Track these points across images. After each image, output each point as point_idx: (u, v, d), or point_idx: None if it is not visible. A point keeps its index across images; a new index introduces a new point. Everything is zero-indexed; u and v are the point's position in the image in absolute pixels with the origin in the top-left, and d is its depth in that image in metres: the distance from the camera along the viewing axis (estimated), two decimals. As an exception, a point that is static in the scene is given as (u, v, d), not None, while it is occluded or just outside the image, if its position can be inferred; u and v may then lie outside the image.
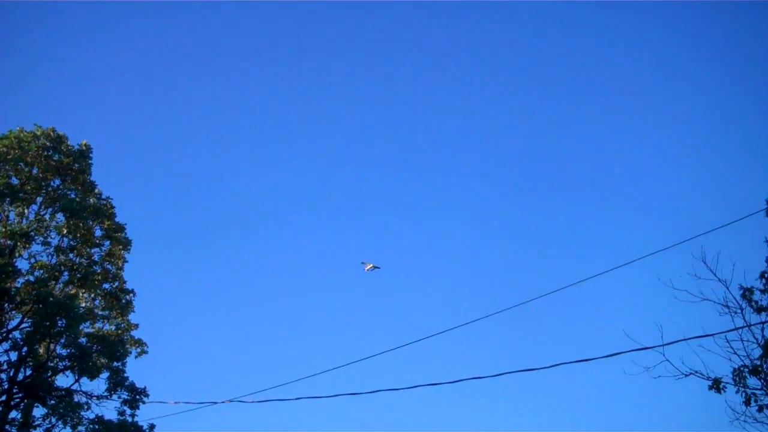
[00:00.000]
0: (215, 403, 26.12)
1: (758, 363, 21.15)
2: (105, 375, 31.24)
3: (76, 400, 30.08)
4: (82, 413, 29.89)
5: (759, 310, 22.07)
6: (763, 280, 22.52)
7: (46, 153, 33.38)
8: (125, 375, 31.75)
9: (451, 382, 20.37)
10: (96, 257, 33.73)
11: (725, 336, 21.09)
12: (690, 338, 18.82)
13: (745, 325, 21.57)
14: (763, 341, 21.17)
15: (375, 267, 48.50)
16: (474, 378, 20.00)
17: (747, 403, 20.90)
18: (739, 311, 21.98)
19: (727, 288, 22.05)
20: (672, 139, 65.05)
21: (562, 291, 22.58)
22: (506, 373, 19.91)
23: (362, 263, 48.82)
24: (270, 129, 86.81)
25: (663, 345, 19.71)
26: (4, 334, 29.55)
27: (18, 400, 29.66)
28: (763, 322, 21.54)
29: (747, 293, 22.24)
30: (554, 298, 21.81)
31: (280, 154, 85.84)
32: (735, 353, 21.41)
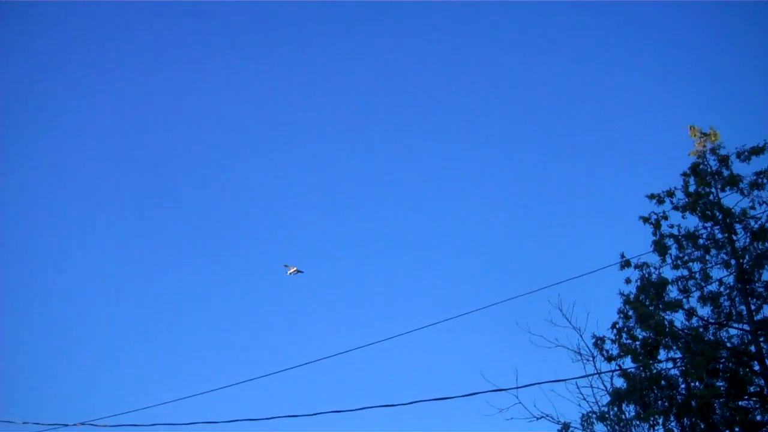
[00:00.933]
0: (66, 425, 24.83)
1: (606, 410, 22.05)
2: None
3: None
4: None
5: (609, 359, 23.12)
6: (615, 331, 23.65)
7: None
8: (-35, 396, 29.92)
9: (309, 415, 20.09)
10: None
11: (576, 382, 21.92)
12: (543, 382, 19.28)
13: (595, 372, 22.53)
14: (611, 389, 22.12)
15: (298, 271, 45.42)
16: (333, 411, 19.83)
17: (593, 448, 21.73)
18: (591, 359, 22.95)
19: (581, 336, 23.03)
20: (540, 189, 66.45)
21: (424, 329, 22.84)
22: (366, 407, 19.84)
23: (285, 266, 45.47)
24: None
25: (517, 388, 20.18)
26: None
27: None
28: (612, 371, 22.56)
29: (599, 342, 23.30)
30: (415, 336, 22.06)
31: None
32: (585, 399, 22.26)
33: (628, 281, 24.10)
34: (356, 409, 19.53)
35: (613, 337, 23.48)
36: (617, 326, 23.72)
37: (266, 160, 72.38)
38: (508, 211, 64.27)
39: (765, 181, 23.52)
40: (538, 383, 19.53)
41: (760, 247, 23.04)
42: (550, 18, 69.50)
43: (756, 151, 23.87)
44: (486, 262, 61.62)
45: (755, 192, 23.60)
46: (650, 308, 23.45)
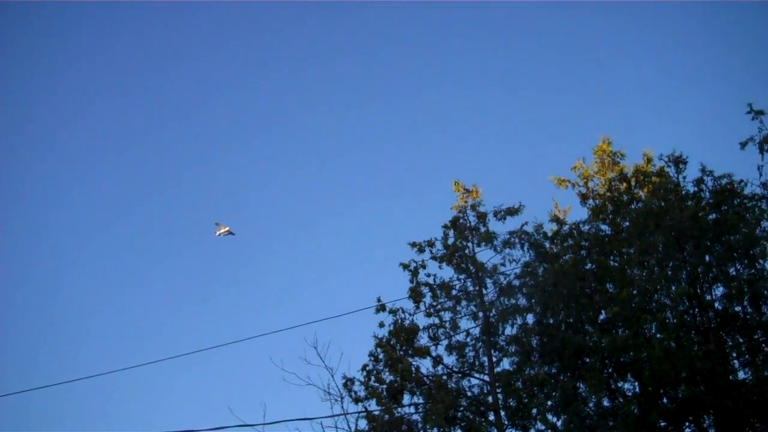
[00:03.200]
0: None
1: (347, 452, 22.11)
2: None
3: None
4: None
5: (356, 400, 23.28)
6: (364, 373, 23.89)
7: None
8: None
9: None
10: None
11: (322, 422, 21.77)
12: (289, 420, 19.15)
13: (342, 413, 22.55)
14: (355, 430, 22.24)
15: (229, 232, 39.53)
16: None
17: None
18: (339, 400, 22.95)
19: (332, 376, 22.98)
20: (308, 227, 65.55)
21: (171, 360, 21.97)
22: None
23: (216, 224, 39.23)
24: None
25: (264, 424, 19.82)
26: None
27: None
28: (358, 413, 22.71)
29: (348, 383, 23.41)
30: (166, 366, 21.10)
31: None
32: (329, 439, 22.15)
33: (381, 325, 24.47)
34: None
35: (363, 379, 23.69)
36: (367, 368, 23.98)
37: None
38: (272, 248, 63.46)
39: (516, 240, 24.91)
40: (284, 420, 19.35)
41: (506, 302, 24.28)
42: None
43: (511, 211, 25.25)
44: (247, 295, 60.43)
45: (507, 250, 24.96)
46: (400, 353, 23.97)
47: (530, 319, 24.08)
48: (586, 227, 24.89)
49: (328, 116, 69.42)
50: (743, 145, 21.59)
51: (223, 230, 39.80)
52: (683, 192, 23.45)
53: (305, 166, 68.98)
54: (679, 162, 23.86)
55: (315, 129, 69.38)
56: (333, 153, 68.58)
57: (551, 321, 23.58)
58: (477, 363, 24.29)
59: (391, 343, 24.29)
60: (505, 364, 24.02)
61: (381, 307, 24.60)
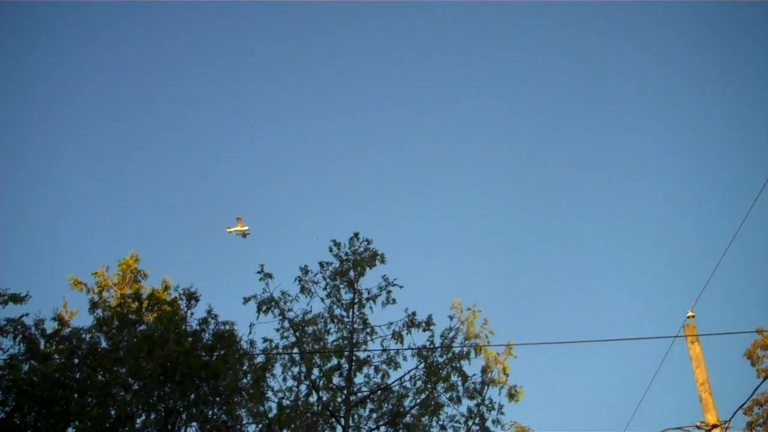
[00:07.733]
0: None
1: None
2: None
3: None
4: None
5: None
6: None
7: None
8: None
9: None
10: None
11: None
12: None
13: None
14: None
15: (245, 232, 34.77)
16: None
17: None
18: None
19: None
20: None
21: None
22: None
23: (237, 218, 34.83)
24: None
25: None
26: None
27: None
28: None
29: None
30: None
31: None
32: None
33: None
34: None
35: None
36: None
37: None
38: None
39: (11, 329, 23.52)
40: None
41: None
42: None
43: (16, 298, 23.93)
44: None
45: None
46: None
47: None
48: (87, 336, 24.51)
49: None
50: (246, 300, 23.35)
51: (238, 228, 35.40)
52: (186, 327, 24.38)
53: None
54: (192, 297, 24.86)
55: None
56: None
57: (18, 422, 22.47)
58: None
59: None
60: None
61: None
